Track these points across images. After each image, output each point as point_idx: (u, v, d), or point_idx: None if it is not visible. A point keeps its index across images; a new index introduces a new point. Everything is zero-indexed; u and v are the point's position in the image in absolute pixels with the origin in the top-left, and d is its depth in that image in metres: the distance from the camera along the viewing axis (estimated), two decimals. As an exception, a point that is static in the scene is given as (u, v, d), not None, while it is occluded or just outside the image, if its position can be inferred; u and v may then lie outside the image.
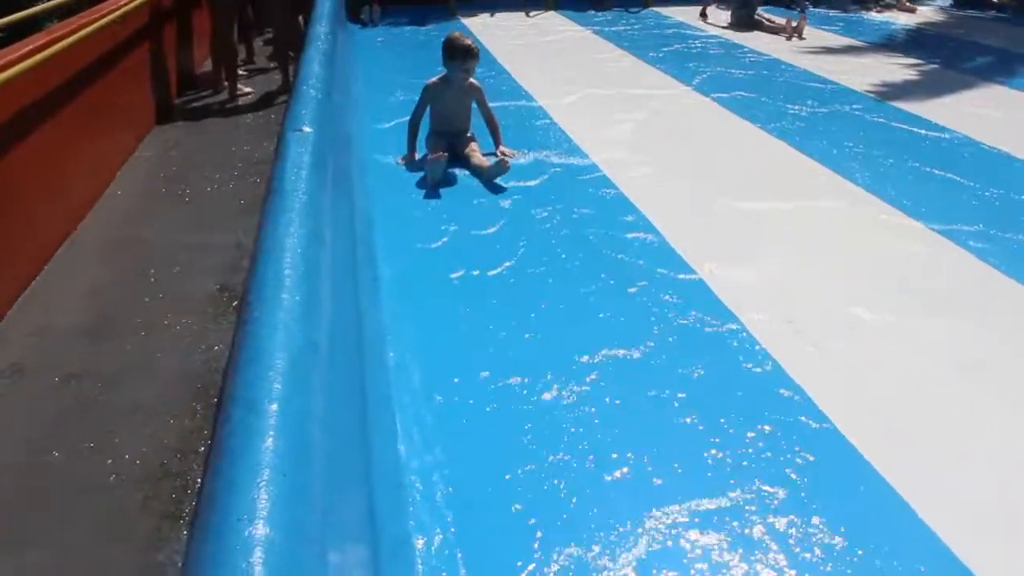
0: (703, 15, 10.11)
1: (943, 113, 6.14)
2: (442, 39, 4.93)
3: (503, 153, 4.97)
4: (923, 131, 5.75)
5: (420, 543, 2.21)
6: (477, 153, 4.84)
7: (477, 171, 4.71)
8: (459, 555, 2.18)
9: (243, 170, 5.83)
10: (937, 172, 4.93)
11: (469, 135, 4.98)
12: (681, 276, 3.59)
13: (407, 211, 4.26)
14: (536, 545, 2.21)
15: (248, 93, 7.86)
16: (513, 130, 5.38)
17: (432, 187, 4.53)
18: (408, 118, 5.00)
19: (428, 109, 4.95)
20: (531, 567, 2.16)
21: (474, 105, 5.04)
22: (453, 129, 4.94)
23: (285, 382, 1.57)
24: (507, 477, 2.46)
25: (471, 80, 4.93)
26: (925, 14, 10.85)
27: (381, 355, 2.99)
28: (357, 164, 4.63)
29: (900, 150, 5.29)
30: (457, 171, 4.74)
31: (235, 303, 3.92)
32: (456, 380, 2.90)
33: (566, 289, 3.49)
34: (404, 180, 4.68)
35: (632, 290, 3.47)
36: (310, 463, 1.50)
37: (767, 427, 2.65)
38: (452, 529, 2.26)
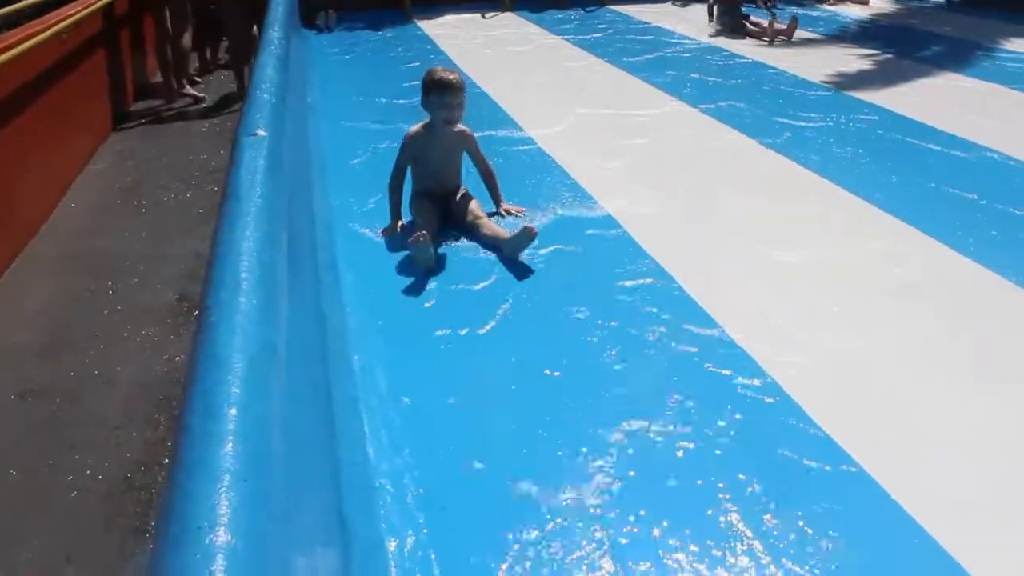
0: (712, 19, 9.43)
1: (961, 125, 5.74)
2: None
3: (508, 212, 4.17)
4: (941, 147, 5.37)
5: (392, 545, 2.19)
6: (486, 220, 3.92)
7: (492, 244, 3.78)
8: (432, 556, 2.16)
9: (200, 179, 5.75)
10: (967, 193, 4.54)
11: (463, 193, 4.09)
12: (699, 329, 3.18)
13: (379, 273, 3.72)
14: (510, 545, 2.20)
15: (200, 98, 7.79)
16: (504, 170, 4.52)
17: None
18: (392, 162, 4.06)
19: (411, 165, 4.03)
20: (504, 566, 2.14)
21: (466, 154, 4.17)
22: (443, 188, 4.04)
23: (244, 387, 1.53)
24: (479, 478, 2.44)
25: (460, 127, 4.02)
26: (877, 6, 10.95)
27: (346, 359, 2.95)
28: (316, 168, 4.58)
29: (906, 163, 5.06)
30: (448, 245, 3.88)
31: (195, 312, 3.85)
32: (423, 382, 2.88)
33: (549, 310, 3.33)
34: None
35: (646, 337, 3.15)
36: (272, 468, 1.47)
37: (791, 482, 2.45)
38: (424, 531, 2.24)
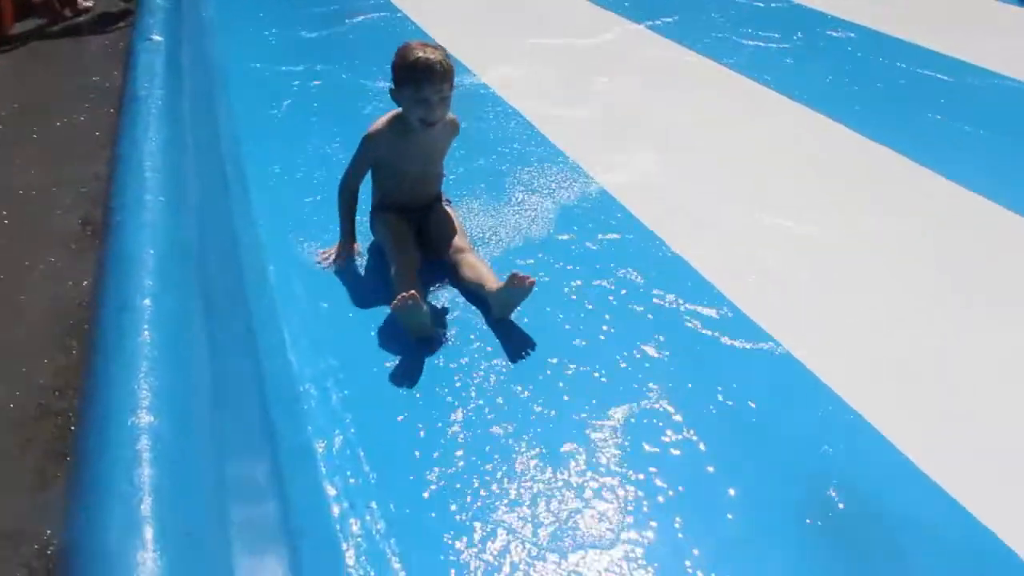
0: None
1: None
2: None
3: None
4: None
5: (321, 446, 2.24)
6: (471, 256, 2.93)
7: (474, 291, 2.83)
8: (361, 454, 2.22)
9: (96, 101, 5.54)
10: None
11: (442, 206, 3.15)
12: (689, 293, 2.93)
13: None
14: (438, 439, 2.28)
15: (88, 7, 7.51)
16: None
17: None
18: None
19: (373, 173, 3.07)
20: (436, 455, 2.22)
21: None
22: (418, 201, 3.09)
23: (156, 279, 1.55)
24: (404, 376, 2.50)
25: (450, 119, 3.02)
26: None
27: (261, 269, 2.95)
28: (218, 79, 4.46)
29: (900, 90, 4.87)
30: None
31: (100, 236, 3.79)
32: (343, 288, 2.90)
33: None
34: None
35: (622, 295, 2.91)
36: (191, 357, 1.50)
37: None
38: (352, 430, 2.30)
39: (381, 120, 2.96)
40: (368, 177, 3.08)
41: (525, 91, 4.83)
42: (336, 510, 2.06)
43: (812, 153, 4.11)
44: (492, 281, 2.75)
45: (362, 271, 3.00)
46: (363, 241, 3.13)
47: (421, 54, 2.76)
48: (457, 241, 2.98)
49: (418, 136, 2.91)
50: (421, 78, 2.74)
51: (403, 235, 2.96)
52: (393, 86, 2.86)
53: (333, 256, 3.01)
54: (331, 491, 2.11)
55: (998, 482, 2.21)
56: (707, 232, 3.35)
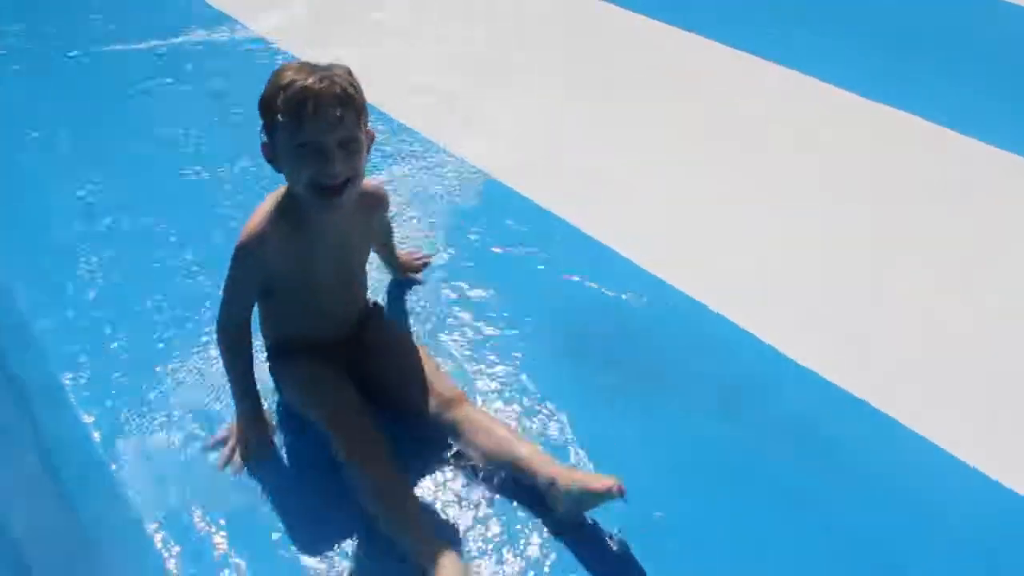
0: None
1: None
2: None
3: (409, 266, 2.50)
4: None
5: (67, 380, 2.19)
6: (475, 414, 1.96)
7: (500, 465, 1.88)
8: (113, 375, 2.19)
9: None
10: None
11: (377, 322, 2.20)
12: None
13: None
14: (189, 349, 2.29)
15: None
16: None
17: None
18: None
19: (262, 300, 2.03)
20: (179, 377, 2.21)
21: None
22: (344, 325, 2.12)
23: None
24: (142, 309, 2.44)
25: (371, 189, 2.03)
26: None
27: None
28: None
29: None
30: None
31: None
32: (59, 208, 2.82)
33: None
34: None
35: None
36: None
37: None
38: (102, 359, 2.25)
39: (258, 214, 1.89)
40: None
41: (307, 37, 3.95)
42: (97, 435, 2.04)
43: (667, 65, 3.91)
44: (538, 459, 1.85)
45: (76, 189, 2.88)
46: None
47: (295, 77, 1.74)
48: (438, 386, 2.02)
49: (322, 221, 1.89)
50: (300, 109, 1.72)
51: (346, 405, 1.96)
52: (266, 137, 1.83)
53: (234, 446, 1.97)
54: (88, 419, 2.07)
55: (726, 280, 2.59)
56: (549, 167, 3.20)
